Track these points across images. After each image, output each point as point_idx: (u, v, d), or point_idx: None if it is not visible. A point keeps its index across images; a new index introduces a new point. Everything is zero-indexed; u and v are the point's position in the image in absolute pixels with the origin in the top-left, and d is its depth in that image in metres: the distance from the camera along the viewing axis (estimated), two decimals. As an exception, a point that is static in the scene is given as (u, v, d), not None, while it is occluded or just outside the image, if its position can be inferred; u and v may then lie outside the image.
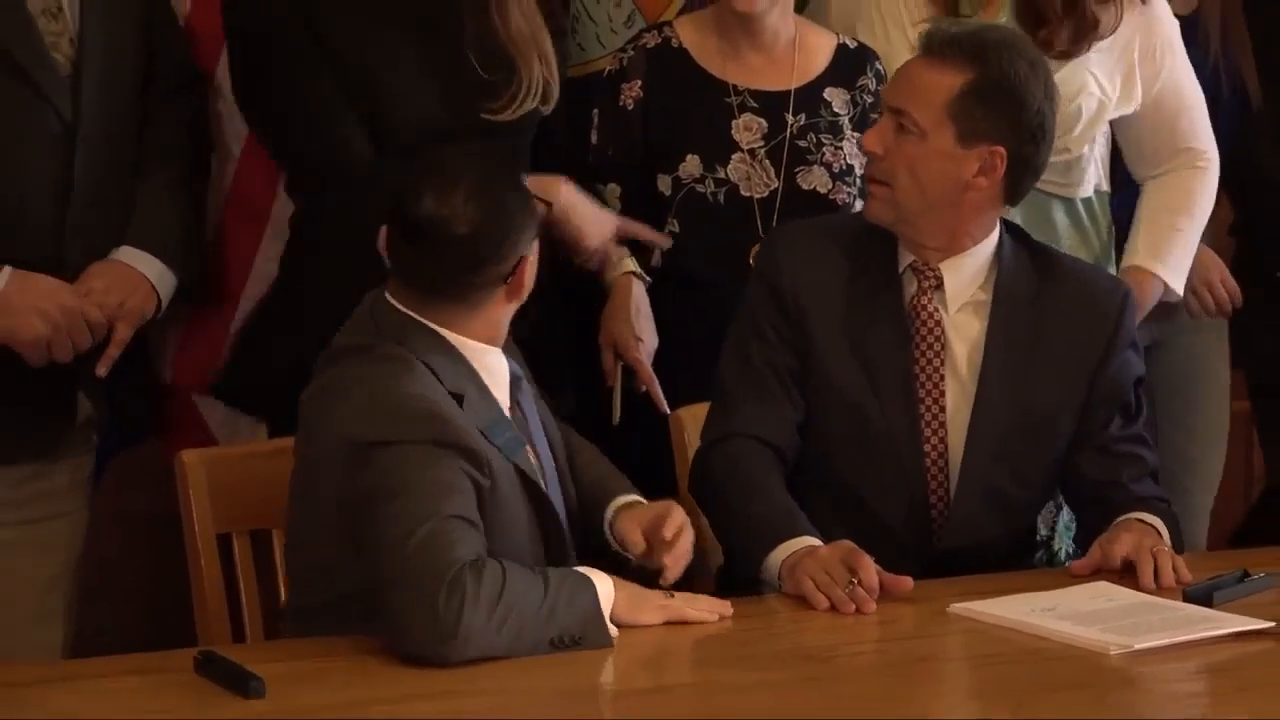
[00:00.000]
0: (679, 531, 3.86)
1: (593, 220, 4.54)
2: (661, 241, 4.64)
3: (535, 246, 3.89)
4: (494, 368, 3.89)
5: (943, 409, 4.19)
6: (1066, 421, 4.23)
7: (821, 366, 4.16)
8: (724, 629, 3.77)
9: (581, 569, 3.72)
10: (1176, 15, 5.14)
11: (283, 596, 4.01)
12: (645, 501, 4.00)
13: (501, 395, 3.90)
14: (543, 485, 3.90)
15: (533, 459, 3.93)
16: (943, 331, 4.19)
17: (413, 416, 3.69)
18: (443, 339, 3.82)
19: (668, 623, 3.72)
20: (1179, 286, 5.01)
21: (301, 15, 4.39)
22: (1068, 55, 4.84)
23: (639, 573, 3.91)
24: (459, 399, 3.75)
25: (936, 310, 4.18)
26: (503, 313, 3.88)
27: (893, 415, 4.18)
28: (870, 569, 3.82)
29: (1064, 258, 4.34)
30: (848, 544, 3.87)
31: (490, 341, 3.88)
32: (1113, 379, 4.27)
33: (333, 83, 4.39)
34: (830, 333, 4.16)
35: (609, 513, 4.01)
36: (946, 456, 4.19)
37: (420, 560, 3.55)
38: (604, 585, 3.66)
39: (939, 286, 4.18)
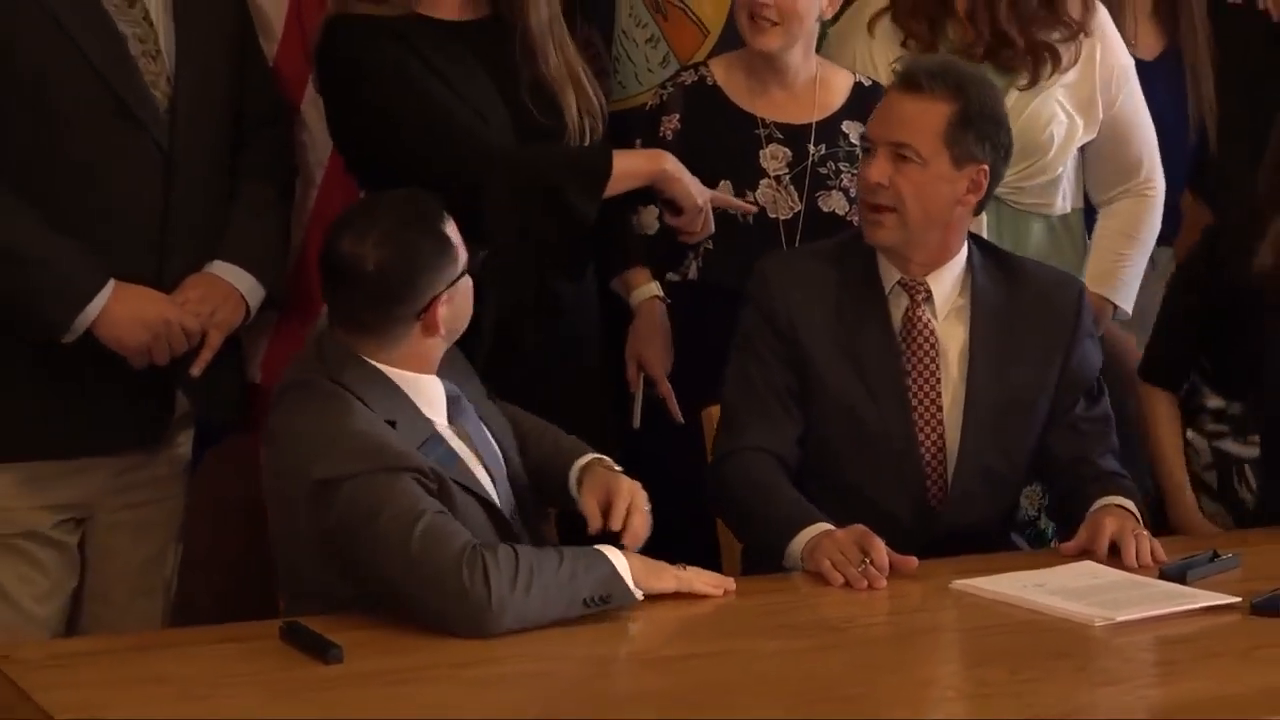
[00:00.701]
0: (629, 514, 3.87)
1: (695, 183, 4.55)
2: (748, 209, 4.65)
3: (461, 285, 3.89)
4: (427, 392, 3.89)
5: (940, 409, 4.23)
6: (1043, 406, 4.28)
7: (820, 381, 4.18)
8: (748, 603, 3.80)
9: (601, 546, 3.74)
10: (1144, 59, 5.21)
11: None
12: (604, 459, 4.02)
13: (437, 416, 3.90)
14: (488, 490, 3.89)
15: (477, 467, 3.92)
16: (936, 339, 4.21)
17: (360, 452, 3.71)
18: (375, 369, 3.85)
19: (677, 593, 3.75)
20: (1129, 306, 5.10)
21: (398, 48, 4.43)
22: (1032, 87, 4.90)
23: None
24: (392, 424, 3.77)
25: (930, 321, 4.20)
26: (425, 345, 3.88)
27: (890, 419, 4.20)
28: (881, 550, 3.85)
29: (1023, 261, 4.38)
30: (860, 527, 3.90)
31: (421, 370, 3.90)
32: (1077, 367, 4.33)
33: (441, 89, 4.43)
34: (825, 350, 4.17)
35: (572, 481, 4.03)
36: (945, 450, 4.22)
37: (429, 554, 3.60)
38: (615, 554, 3.69)
39: (928, 298, 4.20)
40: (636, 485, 3.91)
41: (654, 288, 4.70)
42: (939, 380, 4.22)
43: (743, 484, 4.10)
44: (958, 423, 4.23)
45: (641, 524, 3.84)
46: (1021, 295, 4.28)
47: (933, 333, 4.21)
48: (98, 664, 3.58)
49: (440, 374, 3.95)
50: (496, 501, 3.89)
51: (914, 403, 4.23)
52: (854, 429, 4.17)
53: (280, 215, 4.57)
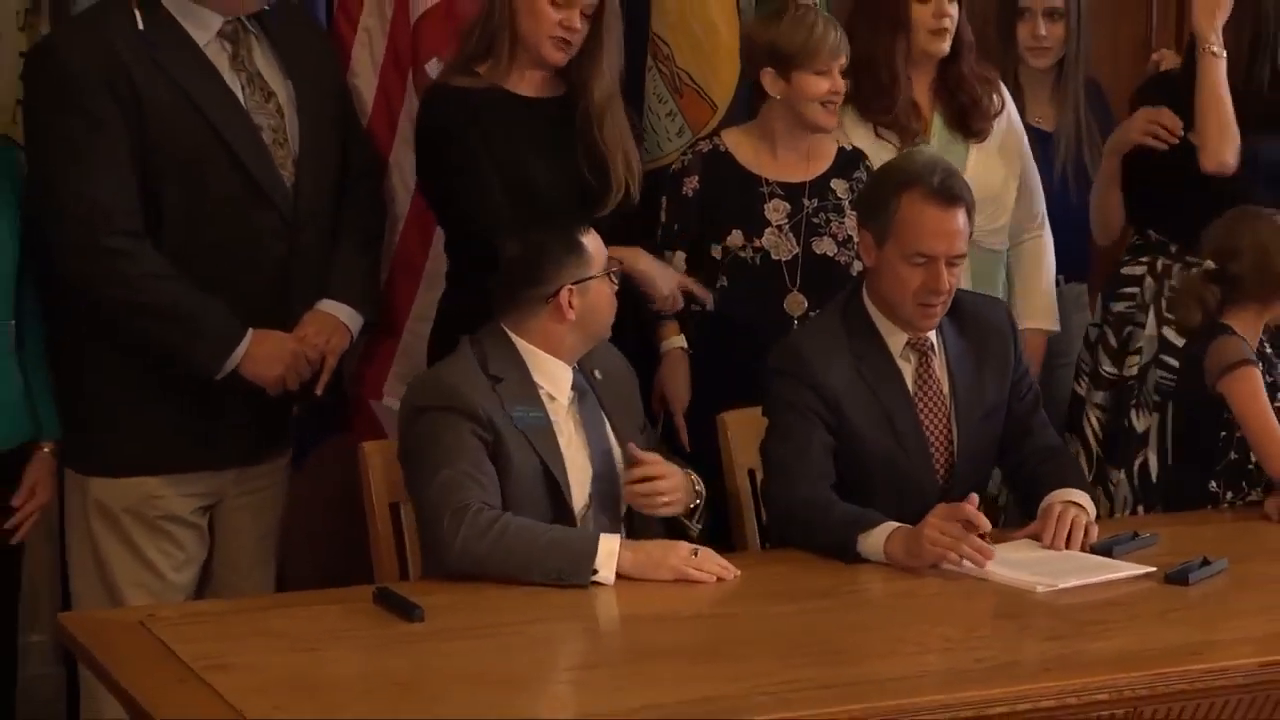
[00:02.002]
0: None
1: (661, 274, 4.51)
2: (707, 297, 4.60)
3: (594, 285, 3.90)
4: (548, 369, 3.91)
5: (949, 442, 4.17)
6: (1003, 409, 4.24)
7: (859, 439, 4.06)
8: (752, 574, 3.79)
9: (603, 534, 3.74)
10: (1042, 129, 5.22)
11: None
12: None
13: (556, 392, 3.91)
14: (561, 466, 3.87)
15: (569, 448, 3.90)
16: (941, 387, 4.17)
17: (439, 391, 3.80)
18: (507, 337, 3.90)
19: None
20: (1057, 325, 5.08)
21: (474, 128, 4.42)
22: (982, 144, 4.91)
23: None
24: (497, 380, 3.81)
25: (938, 373, 4.16)
26: (555, 329, 3.90)
27: (916, 463, 4.12)
28: (982, 517, 3.79)
29: (959, 294, 4.21)
30: (944, 506, 3.83)
31: (548, 350, 3.91)
32: (1021, 371, 4.30)
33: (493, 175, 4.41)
34: (859, 413, 4.05)
35: None
36: (953, 462, 4.17)
37: (436, 496, 3.68)
38: (609, 543, 3.67)
39: (931, 349, 4.16)
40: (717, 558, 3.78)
41: (679, 340, 4.66)
42: (947, 420, 4.17)
43: (802, 505, 3.96)
44: (956, 446, 4.17)
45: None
46: (969, 324, 4.20)
47: (939, 382, 4.16)
48: (224, 621, 3.64)
49: (604, 392, 4.00)
50: (557, 476, 3.86)
51: (930, 442, 4.15)
52: (889, 474, 4.07)
53: (373, 255, 4.57)
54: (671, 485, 3.90)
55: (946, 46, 4.86)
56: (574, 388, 3.95)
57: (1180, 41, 5.92)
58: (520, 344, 3.92)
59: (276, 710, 3.02)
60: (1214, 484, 4.45)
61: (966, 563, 3.77)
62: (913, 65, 4.88)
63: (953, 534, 3.77)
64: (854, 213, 4.46)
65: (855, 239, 4.31)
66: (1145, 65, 5.61)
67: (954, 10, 4.85)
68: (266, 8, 4.30)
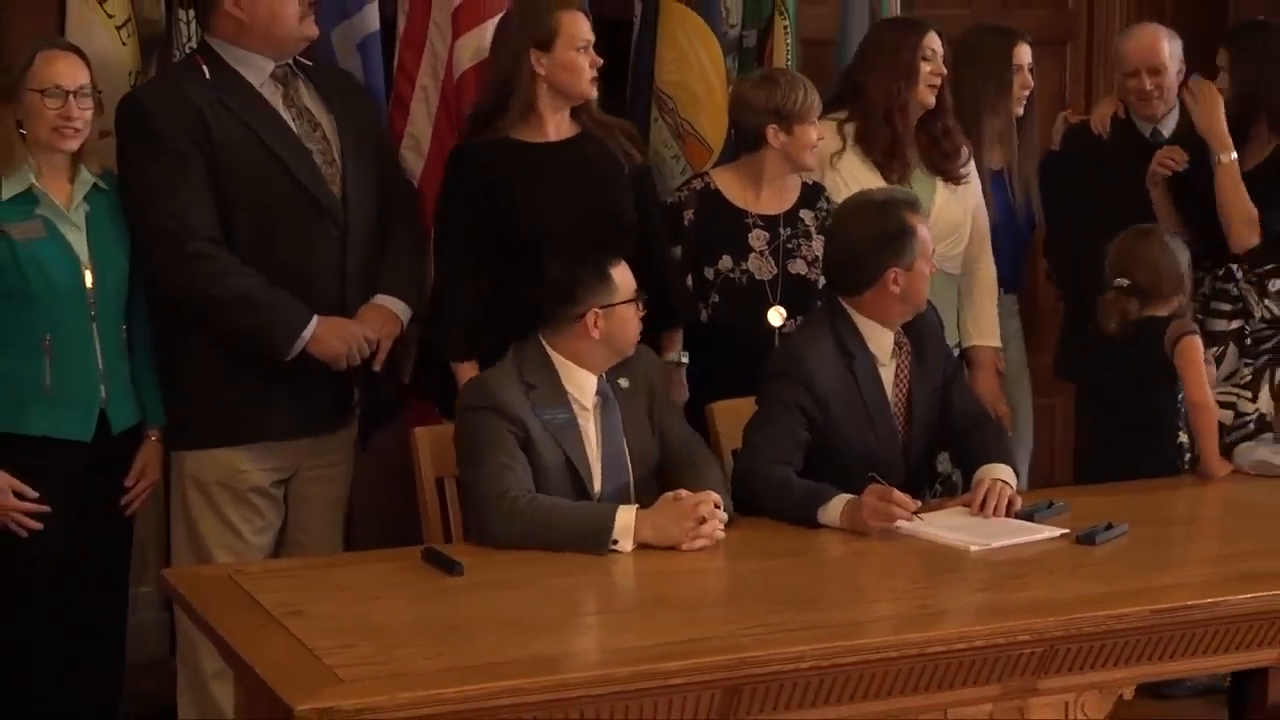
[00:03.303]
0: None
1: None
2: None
3: (619, 310, 3.86)
4: (576, 379, 3.87)
5: (911, 421, 4.14)
6: (942, 385, 4.22)
7: (841, 435, 4.02)
8: (734, 535, 3.76)
9: (621, 506, 3.71)
10: (991, 167, 5.15)
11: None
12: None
13: (582, 397, 3.87)
14: (585, 459, 3.85)
15: (590, 447, 3.88)
16: (905, 376, 4.16)
17: (478, 392, 3.81)
18: (543, 348, 3.88)
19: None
20: (999, 343, 5.04)
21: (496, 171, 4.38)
22: (949, 183, 4.88)
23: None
24: (530, 386, 3.80)
25: (904, 366, 4.15)
26: (584, 344, 3.87)
27: (889, 452, 4.09)
28: (904, 498, 3.79)
29: None
30: (878, 488, 3.80)
31: (577, 362, 3.87)
32: (951, 361, 4.32)
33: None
34: (844, 414, 4.02)
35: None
36: (912, 436, 4.15)
37: (482, 484, 3.69)
38: (625, 515, 3.65)
39: (905, 349, 4.15)
40: (712, 496, 3.74)
41: (680, 357, 4.62)
42: (908, 406, 4.14)
43: (764, 481, 3.92)
44: (915, 425, 4.16)
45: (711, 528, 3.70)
46: (912, 322, 4.15)
47: (905, 376, 4.14)
48: (298, 575, 3.67)
49: (625, 400, 3.95)
50: (580, 470, 3.84)
51: (901, 433, 4.13)
52: (863, 457, 4.00)
53: (417, 258, 4.53)
54: (720, 517, 3.76)
55: (933, 99, 4.85)
56: (598, 393, 3.93)
57: (1089, 95, 5.94)
58: (554, 355, 3.90)
59: (343, 649, 3.05)
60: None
61: (904, 524, 3.77)
62: (911, 113, 4.86)
63: (883, 510, 3.77)
64: (819, 237, 4.44)
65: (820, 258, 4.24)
66: (1056, 117, 5.64)
67: (944, 69, 4.86)
68: (305, 60, 4.34)
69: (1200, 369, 4.40)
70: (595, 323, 3.86)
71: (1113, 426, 4.60)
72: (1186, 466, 4.51)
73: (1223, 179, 4.76)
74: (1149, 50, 5.20)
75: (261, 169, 4.21)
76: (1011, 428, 5.13)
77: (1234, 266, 4.74)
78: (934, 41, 4.83)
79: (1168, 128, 5.21)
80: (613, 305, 3.88)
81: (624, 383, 3.98)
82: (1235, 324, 4.65)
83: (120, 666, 4.44)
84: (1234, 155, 4.77)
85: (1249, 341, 4.72)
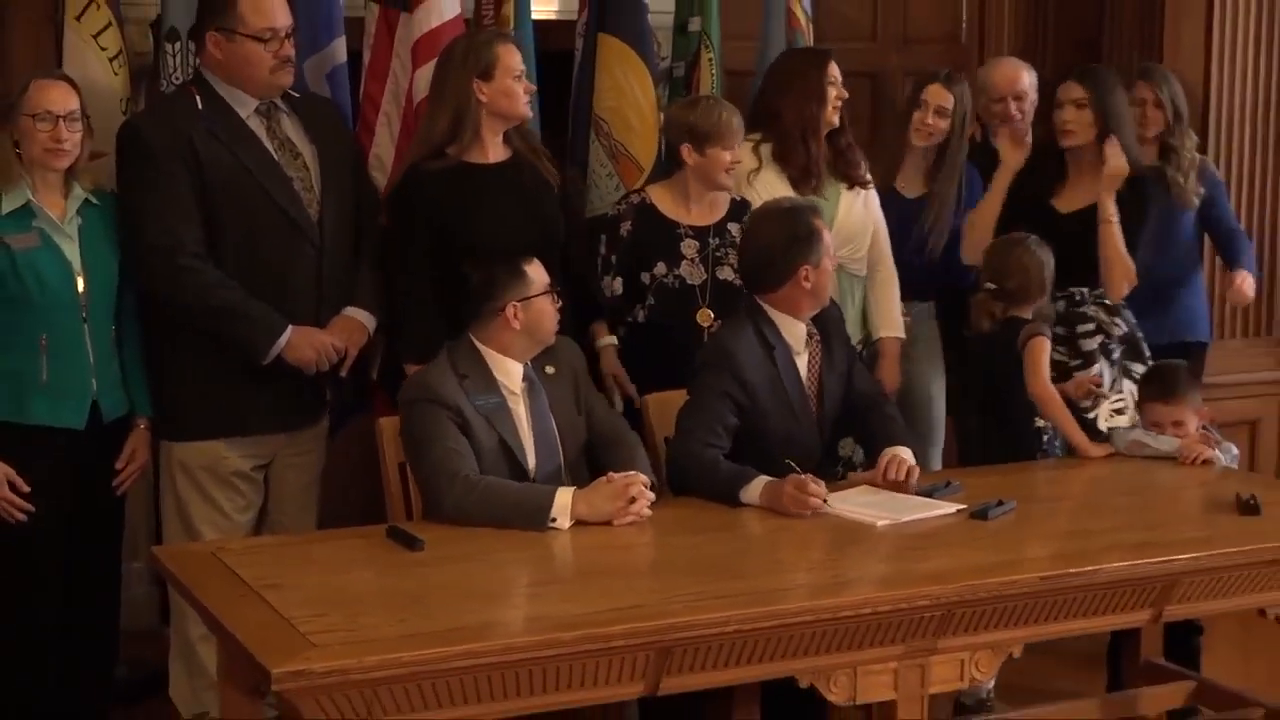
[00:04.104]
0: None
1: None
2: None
3: (535, 302, 3.86)
4: (504, 367, 3.88)
5: (824, 403, 4.15)
6: (848, 369, 4.23)
7: (765, 419, 4.02)
8: (667, 514, 3.77)
9: (560, 488, 3.70)
10: (906, 195, 5.14)
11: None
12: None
13: (510, 383, 3.87)
14: (520, 440, 3.84)
15: (522, 427, 3.87)
16: (817, 362, 4.16)
17: (417, 386, 3.81)
18: (472, 343, 3.89)
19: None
20: (903, 334, 5.01)
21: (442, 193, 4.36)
22: (852, 190, 4.88)
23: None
24: (464, 376, 3.81)
25: (816, 354, 4.17)
26: (507, 335, 3.87)
27: (808, 433, 4.10)
28: (817, 486, 3.78)
29: None
30: (795, 477, 3.79)
31: (503, 352, 3.88)
32: (852, 350, 4.35)
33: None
34: (768, 400, 4.03)
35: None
36: (824, 416, 4.16)
37: (433, 468, 3.69)
38: (563, 496, 3.65)
39: (816, 339, 4.16)
40: (641, 477, 3.75)
41: (611, 338, 4.62)
42: (821, 389, 4.15)
43: (695, 462, 3.92)
44: (827, 405, 4.16)
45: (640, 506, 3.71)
46: (818, 317, 4.17)
47: (817, 362, 4.15)
48: (275, 552, 3.66)
49: (551, 385, 3.94)
50: (513, 448, 3.83)
51: (815, 414, 4.13)
52: (784, 439, 4.03)
53: (382, 272, 4.48)
54: (648, 496, 3.76)
55: (837, 119, 4.86)
56: (525, 379, 3.93)
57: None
58: (482, 348, 3.90)
59: (315, 617, 3.05)
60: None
61: (818, 502, 3.77)
62: (820, 132, 4.87)
63: (800, 500, 3.76)
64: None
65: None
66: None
67: (845, 92, 4.88)
68: (291, 90, 4.32)
69: (1041, 366, 4.43)
70: (515, 315, 3.86)
71: (981, 414, 4.64)
72: (1045, 449, 4.53)
73: (1109, 239, 4.72)
74: (1014, 79, 5.29)
75: (247, 194, 4.19)
76: (929, 415, 5.20)
77: (1084, 291, 4.76)
78: (835, 70, 4.87)
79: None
80: (529, 298, 3.88)
81: (549, 369, 3.99)
82: (1098, 339, 4.69)
83: (115, 635, 4.44)
84: (1117, 217, 4.74)
85: (1115, 355, 4.76)
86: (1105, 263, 4.72)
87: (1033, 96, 5.27)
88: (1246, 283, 5.14)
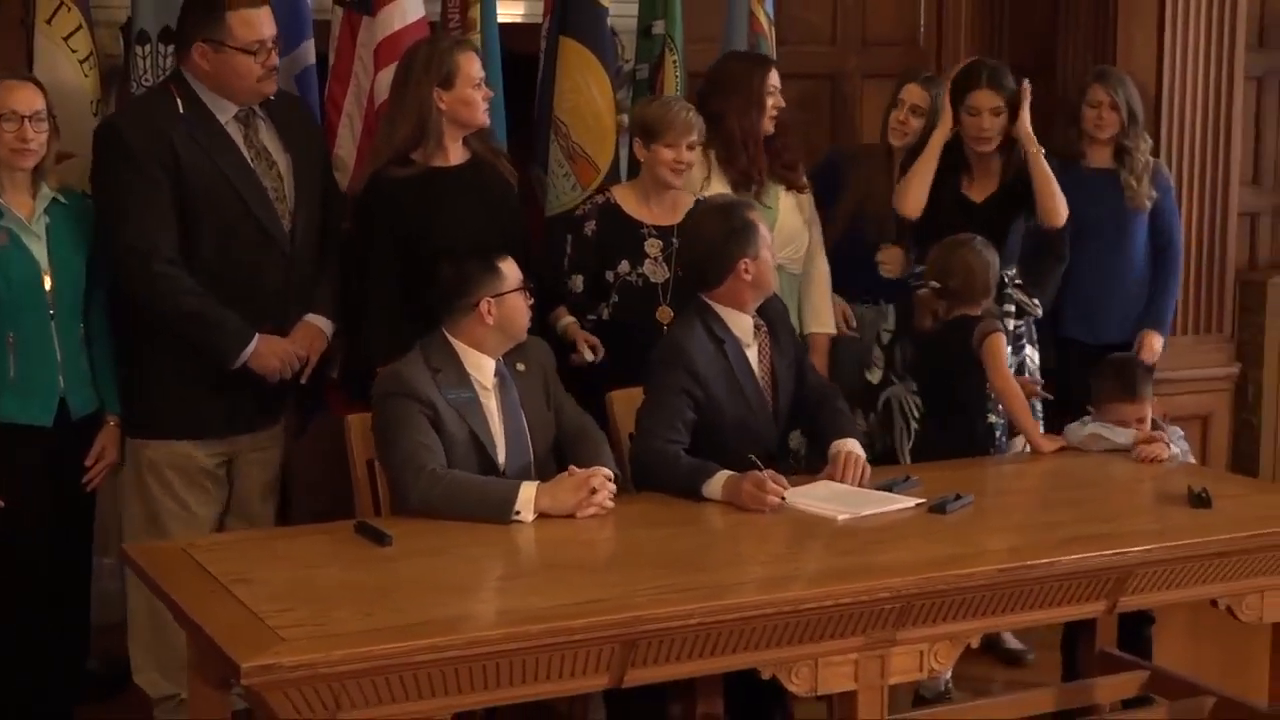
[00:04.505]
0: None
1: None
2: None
3: (508, 299, 3.86)
4: (476, 361, 3.87)
5: (777, 393, 4.16)
6: (796, 361, 4.25)
7: (720, 411, 4.03)
8: (632, 509, 3.77)
9: (524, 481, 3.71)
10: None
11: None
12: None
13: (482, 378, 3.87)
14: (491, 435, 3.84)
15: (493, 421, 3.86)
16: (768, 354, 4.18)
17: (391, 380, 3.79)
18: (445, 338, 3.88)
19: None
20: (834, 330, 5.07)
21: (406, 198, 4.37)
22: (791, 192, 4.94)
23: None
24: (436, 371, 3.80)
25: (766, 346, 4.18)
26: (480, 330, 3.87)
27: (762, 421, 4.11)
28: (777, 481, 3.78)
29: None
30: (755, 474, 3.78)
31: (475, 347, 3.88)
32: (801, 345, 4.38)
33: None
34: (723, 392, 4.03)
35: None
36: (779, 407, 4.16)
37: (401, 461, 3.68)
38: (527, 490, 3.65)
39: (764, 332, 4.18)
40: (603, 470, 3.76)
41: (571, 319, 4.60)
42: (774, 379, 4.16)
43: (658, 457, 3.92)
44: (780, 396, 4.17)
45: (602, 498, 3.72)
46: (764, 311, 4.18)
47: (768, 354, 4.16)
48: (244, 547, 3.64)
49: (522, 381, 3.94)
50: (484, 442, 3.82)
51: (770, 403, 4.14)
52: (739, 429, 4.03)
53: (342, 277, 4.49)
54: (610, 489, 3.76)
55: (773, 127, 4.91)
56: (497, 374, 3.92)
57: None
58: (455, 343, 3.89)
59: (284, 612, 3.04)
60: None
61: (776, 500, 3.77)
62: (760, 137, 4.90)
63: (759, 497, 3.76)
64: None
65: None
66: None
67: (782, 100, 4.92)
68: (271, 96, 4.30)
69: (1002, 361, 4.47)
70: (489, 310, 3.86)
71: (933, 410, 4.66)
72: (997, 445, 4.56)
73: (1040, 166, 4.85)
74: None
75: (223, 200, 4.20)
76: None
77: (1005, 275, 4.82)
78: (775, 78, 4.92)
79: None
80: (503, 294, 3.88)
81: (520, 366, 3.99)
82: (1020, 322, 4.75)
83: (86, 628, 4.44)
84: (1041, 150, 4.86)
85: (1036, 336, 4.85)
86: (1043, 191, 4.84)
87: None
88: (1156, 345, 5.17)
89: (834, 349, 5.13)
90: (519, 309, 3.93)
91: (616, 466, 3.91)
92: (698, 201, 4.64)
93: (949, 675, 4.63)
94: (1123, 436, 4.38)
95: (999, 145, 4.95)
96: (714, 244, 4.10)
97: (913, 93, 5.20)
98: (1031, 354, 4.94)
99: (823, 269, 5.06)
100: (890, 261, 5.20)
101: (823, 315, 5.05)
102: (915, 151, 5.13)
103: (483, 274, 3.88)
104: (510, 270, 3.93)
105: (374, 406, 3.85)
